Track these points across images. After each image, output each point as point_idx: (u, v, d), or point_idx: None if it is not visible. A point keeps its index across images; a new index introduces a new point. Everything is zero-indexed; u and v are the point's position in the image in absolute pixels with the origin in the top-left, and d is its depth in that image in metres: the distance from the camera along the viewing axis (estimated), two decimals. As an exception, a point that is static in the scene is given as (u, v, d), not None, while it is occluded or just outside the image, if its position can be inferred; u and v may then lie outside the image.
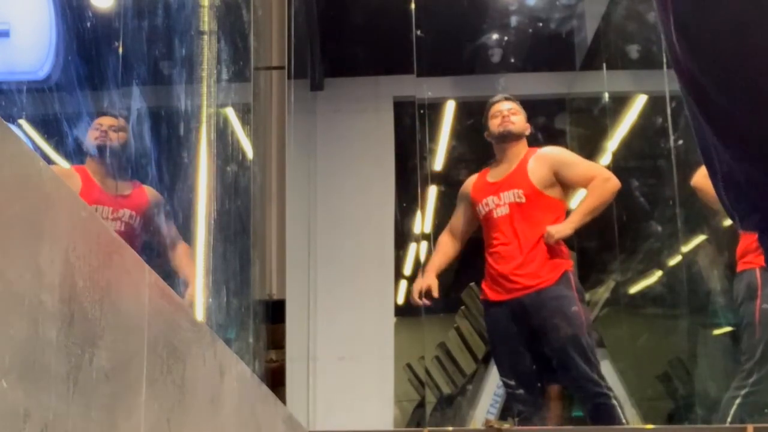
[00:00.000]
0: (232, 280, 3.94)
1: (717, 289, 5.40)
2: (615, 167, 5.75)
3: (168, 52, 3.99)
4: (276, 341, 4.42)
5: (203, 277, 3.56)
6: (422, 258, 5.85)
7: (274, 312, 4.42)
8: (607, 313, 6.07)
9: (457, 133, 6.67)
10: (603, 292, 6.10)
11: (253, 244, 4.28)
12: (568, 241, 4.18)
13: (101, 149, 3.83)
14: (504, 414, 5.20)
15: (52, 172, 0.86)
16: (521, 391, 4.17)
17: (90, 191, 3.78)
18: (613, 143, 6.12)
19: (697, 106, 0.93)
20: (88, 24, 3.92)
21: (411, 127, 6.00)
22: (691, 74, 0.91)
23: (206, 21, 3.89)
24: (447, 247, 4.38)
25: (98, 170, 3.87)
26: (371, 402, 5.59)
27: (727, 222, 4.84)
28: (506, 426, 3.76)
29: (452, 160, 6.75)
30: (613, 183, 4.10)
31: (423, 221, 6.33)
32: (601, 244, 6.14)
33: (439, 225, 4.93)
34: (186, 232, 3.81)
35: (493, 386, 5.52)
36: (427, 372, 6.23)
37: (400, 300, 6.36)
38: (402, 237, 6.38)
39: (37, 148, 3.71)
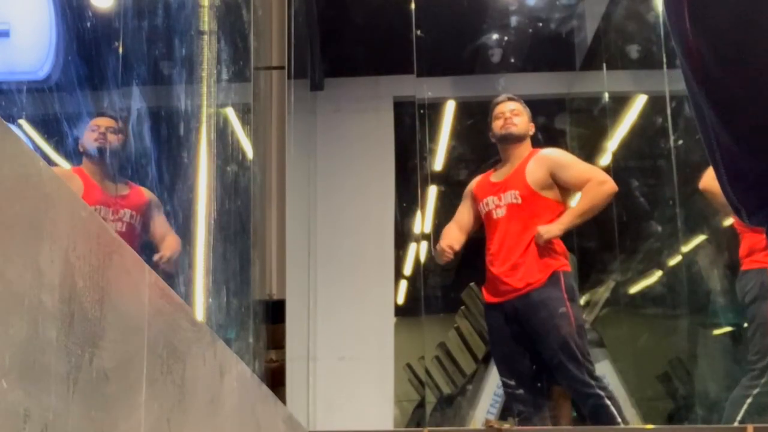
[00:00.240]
0: (232, 280, 3.94)
1: (717, 289, 5.40)
2: (615, 167, 5.75)
3: (168, 52, 3.99)
4: (276, 341, 4.41)
5: (203, 277, 3.57)
6: (422, 258, 5.86)
7: (274, 312, 4.42)
8: (607, 313, 6.06)
9: (457, 133, 6.67)
10: (603, 292, 6.09)
11: (253, 244, 4.27)
12: (568, 241, 4.17)
13: (99, 151, 3.84)
14: (504, 414, 5.19)
15: (52, 172, 0.86)
16: (521, 391, 4.17)
17: (92, 193, 3.79)
18: (613, 143, 6.13)
19: (706, 97, 0.90)
20: (88, 24, 3.91)
21: (411, 127, 6.00)
22: (702, 63, 0.89)
23: (206, 21, 3.89)
24: (455, 231, 4.32)
25: (96, 172, 3.88)
26: (371, 402, 5.59)
27: (728, 222, 4.83)
28: (506, 426, 3.76)
29: (452, 160, 6.75)
30: (609, 186, 4.07)
31: (423, 221, 6.33)
32: (601, 244, 6.14)
33: (439, 225, 4.93)
34: (186, 232, 3.82)
35: (493, 386, 5.51)
36: (427, 372, 6.23)
37: (400, 300, 6.36)
38: (402, 237, 6.38)
39: (37, 148, 3.71)
